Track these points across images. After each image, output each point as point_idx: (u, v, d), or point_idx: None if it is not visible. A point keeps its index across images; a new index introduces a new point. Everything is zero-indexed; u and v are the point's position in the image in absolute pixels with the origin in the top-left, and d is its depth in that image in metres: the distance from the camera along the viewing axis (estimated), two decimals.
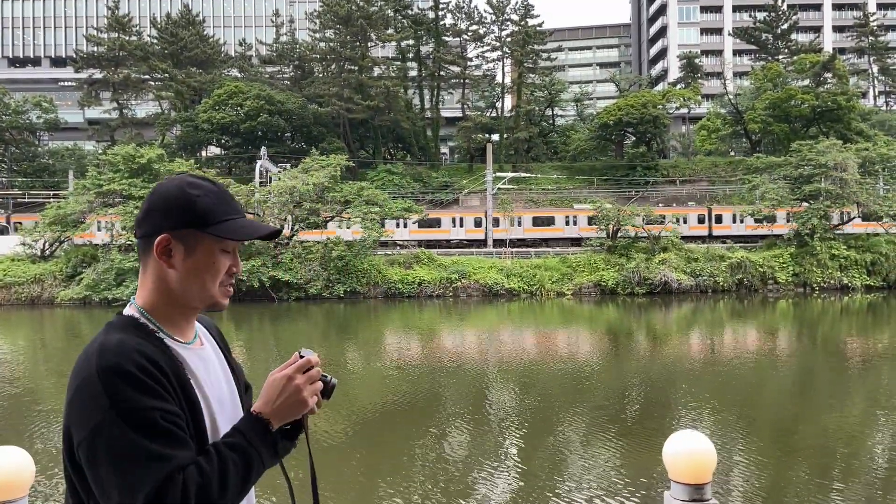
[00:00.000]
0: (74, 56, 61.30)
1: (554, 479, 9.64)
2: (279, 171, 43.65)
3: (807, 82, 56.83)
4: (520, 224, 45.70)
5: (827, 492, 9.11)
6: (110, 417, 1.34)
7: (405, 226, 44.66)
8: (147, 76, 58.98)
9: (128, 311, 1.60)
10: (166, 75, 57.60)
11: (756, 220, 43.10)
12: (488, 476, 9.83)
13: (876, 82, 68.70)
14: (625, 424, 12.51)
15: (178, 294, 1.59)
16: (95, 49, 59.06)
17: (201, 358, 1.62)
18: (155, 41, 60.23)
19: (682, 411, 13.65)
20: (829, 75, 56.43)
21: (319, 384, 1.61)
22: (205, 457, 1.42)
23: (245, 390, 1.82)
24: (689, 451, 2.06)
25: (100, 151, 54.77)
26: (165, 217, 1.56)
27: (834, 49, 70.64)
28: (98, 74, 58.07)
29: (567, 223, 46.35)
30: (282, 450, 1.63)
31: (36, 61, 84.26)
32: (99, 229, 38.14)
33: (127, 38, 57.63)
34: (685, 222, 45.82)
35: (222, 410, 1.60)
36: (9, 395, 15.67)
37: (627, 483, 9.30)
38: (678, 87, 63.98)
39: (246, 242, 1.73)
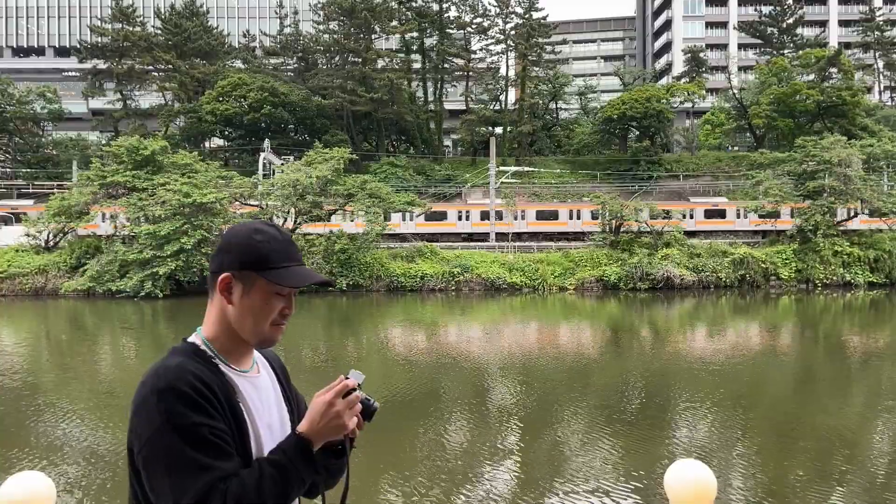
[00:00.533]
0: (78, 46, 61.16)
1: (553, 476, 9.68)
2: (282, 164, 43.65)
3: (812, 77, 56.56)
4: (412, 219, 45.51)
5: (825, 489, 9.14)
6: (163, 430, 1.51)
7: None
8: (151, 67, 58.86)
9: (192, 338, 1.76)
10: (170, 66, 57.52)
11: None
12: (488, 470, 9.88)
13: (881, 77, 68.31)
14: (624, 421, 12.54)
15: (235, 328, 1.73)
16: (99, 39, 58.94)
17: (255, 385, 1.76)
18: (159, 32, 60.11)
19: (682, 408, 13.69)
20: (835, 70, 56.17)
21: (359, 407, 1.71)
22: (248, 470, 1.57)
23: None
24: (689, 481, 2.09)
25: (103, 142, 54.79)
26: (230, 258, 1.73)
27: (839, 44, 70.32)
28: (102, 65, 57.95)
29: (460, 218, 46.37)
30: (334, 468, 1.76)
31: (40, 51, 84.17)
32: (103, 220, 38.16)
33: (131, 28, 57.50)
34: (579, 218, 45.94)
35: (271, 435, 1.73)
36: (9, 388, 15.76)
37: (625, 479, 9.34)
38: (682, 81, 63.71)
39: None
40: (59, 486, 9.06)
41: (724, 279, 36.79)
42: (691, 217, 45.95)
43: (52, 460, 10.18)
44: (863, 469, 10.05)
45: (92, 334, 25.83)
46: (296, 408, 1.89)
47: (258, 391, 1.76)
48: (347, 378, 1.71)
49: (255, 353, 1.84)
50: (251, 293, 1.71)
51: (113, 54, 57.04)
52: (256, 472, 1.55)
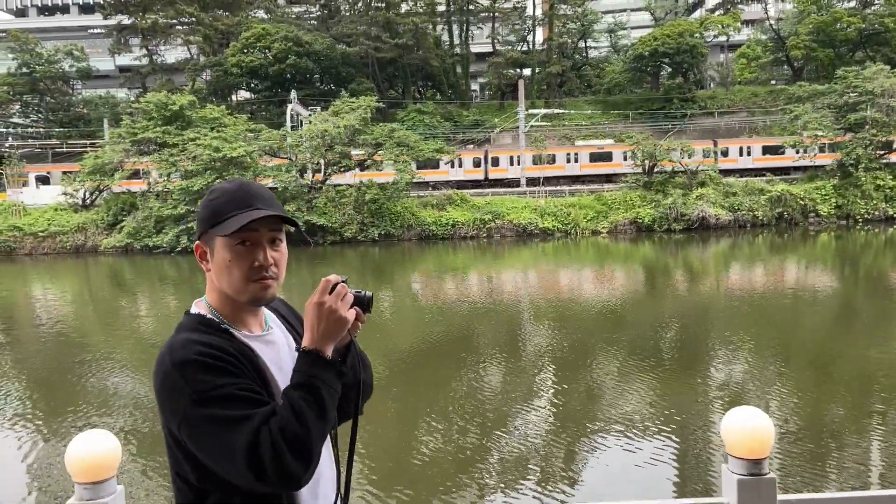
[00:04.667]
0: (102, 2, 61.00)
1: (589, 417, 9.75)
2: (310, 115, 43.50)
3: (853, 3, 54.17)
4: (460, 166, 45.30)
5: (863, 427, 9.08)
6: (194, 401, 1.53)
7: None
8: (174, 20, 58.65)
9: (195, 308, 1.75)
10: (193, 19, 57.23)
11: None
12: (523, 413, 9.99)
13: None
14: (661, 361, 12.52)
15: (224, 292, 1.72)
16: None
17: (268, 342, 1.76)
18: None
19: (719, 347, 13.61)
20: None
21: (350, 297, 1.67)
22: (281, 405, 1.57)
23: None
24: (747, 427, 2.06)
25: (132, 99, 55.08)
26: (197, 225, 1.76)
27: None
28: (126, 20, 57.92)
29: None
30: (355, 366, 1.77)
31: (64, 9, 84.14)
32: (139, 177, 38.43)
33: None
34: (461, 166, 45.38)
35: None
36: (62, 342, 16.27)
37: (662, 419, 9.37)
38: (717, 13, 61.46)
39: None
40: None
41: (760, 217, 36.14)
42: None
43: (104, 412, 10.54)
44: None
45: (132, 290, 26.45)
46: None
47: (273, 347, 1.75)
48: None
49: (266, 311, 1.82)
50: (215, 253, 1.70)
51: (136, 9, 56.84)
52: (287, 402, 1.56)
